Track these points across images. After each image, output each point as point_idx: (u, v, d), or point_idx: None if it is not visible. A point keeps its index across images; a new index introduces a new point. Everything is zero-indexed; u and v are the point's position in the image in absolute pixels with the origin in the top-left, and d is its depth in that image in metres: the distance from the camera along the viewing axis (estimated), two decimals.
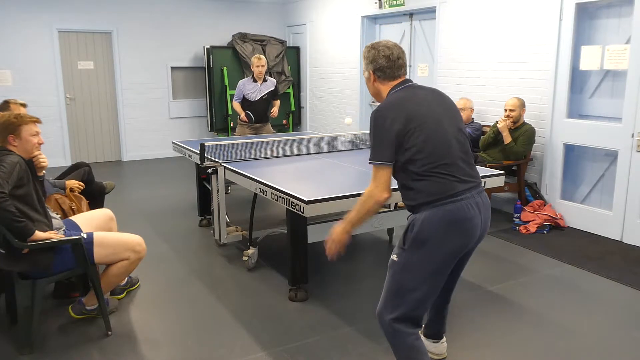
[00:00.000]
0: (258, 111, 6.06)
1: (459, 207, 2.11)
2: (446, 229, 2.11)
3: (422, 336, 2.64)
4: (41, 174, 3.08)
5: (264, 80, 6.08)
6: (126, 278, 3.47)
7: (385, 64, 2.25)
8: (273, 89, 6.15)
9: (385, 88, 2.28)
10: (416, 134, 2.09)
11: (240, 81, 6.15)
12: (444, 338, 2.73)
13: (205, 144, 4.24)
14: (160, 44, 8.58)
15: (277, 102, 6.26)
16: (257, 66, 5.95)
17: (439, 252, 2.13)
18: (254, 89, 6.02)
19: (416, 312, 2.20)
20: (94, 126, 8.45)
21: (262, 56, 6.05)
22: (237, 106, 6.08)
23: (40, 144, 2.95)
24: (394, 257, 2.22)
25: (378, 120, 2.14)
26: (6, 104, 3.90)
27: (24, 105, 3.99)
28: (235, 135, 6.41)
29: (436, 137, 2.11)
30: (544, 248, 4.35)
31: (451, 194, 2.10)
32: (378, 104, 2.25)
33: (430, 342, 2.70)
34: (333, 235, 2.27)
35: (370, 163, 2.19)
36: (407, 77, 2.30)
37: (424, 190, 2.13)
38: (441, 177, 2.11)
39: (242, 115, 6.03)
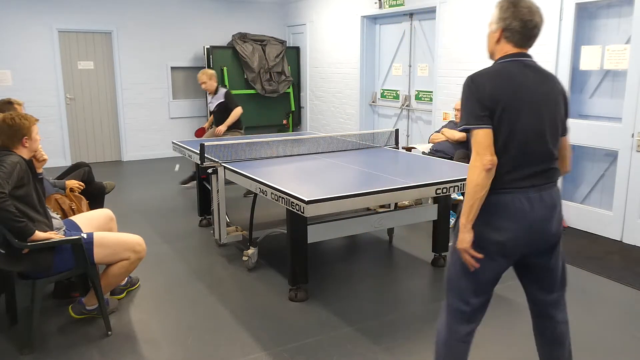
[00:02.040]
0: (218, 120, 6.31)
1: (502, 200, 1.93)
2: (485, 220, 1.94)
3: None
4: (40, 170, 3.08)
5: (215, 92, 6.27)
6: (126, 278, 3.47)
7: (518, 27, 1.98)
8: (223, 100, 6.23)
9: (502, 52, 2.04)
10: (499, 114, 1.92)
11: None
12: None
13: (205, 144, 4.24)
14: (160, 44, 8.58)
15: (235, 111, 6.15)
16: (201, 83, 6.26)
17: (478, 243, 1.95)
18: (209, 101, 6.40)
19: (459, 304, 2.06)
20: (94, 126, 8.45)
21: (202, 72, 6.22)
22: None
23: (39, 140, 2.98)
24: (450, 242, 2.11)
25: (470, 87, 1.97)
26: (10, 104, 3.89)
27: (20, 104, 3.99)
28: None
29: (510, 127, 1.92)
30: None
31: (499, 186, 1.93)
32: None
33: None
34: (458, 245, 1.98)
35: (461, 129, 1.99)
36: (528, 53, 2.05)
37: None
38: (502, 168, 1.92)
39: (206, 125, 6.62)
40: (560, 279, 2.14)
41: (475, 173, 1.89)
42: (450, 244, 2.13)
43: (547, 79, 2.05)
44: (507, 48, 2.03)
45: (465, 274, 2.04)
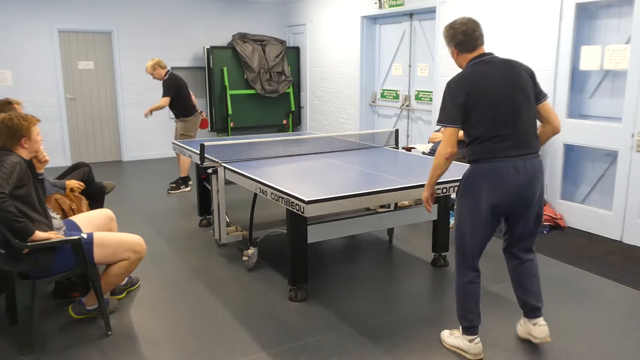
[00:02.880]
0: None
1: (493, 167, 2.50)
2: (479, 183, 2.54)
3: (525, 321, 2.84)
4: (41, 170, 3.08)
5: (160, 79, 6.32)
6: (126, 278, 3.47)
7: (463, 39, 2.59)
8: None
9: (465, 60, 2.62)
10: (475, 105, 2.48)
11: None
12: (542, 319, 2.78)
13: (205, 144, 4.24)
14: (160, 44, 8.57)
15: (161, 100, 6.27)
16: (149, 73, 6.30)
17: (475, 202, 2.56)
18: None
19: (467, 254, 2.65)
20: (94, 126, 8.45)
21: (149, 62, 6.25)
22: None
23: (40, 140, 2.98)
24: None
25: (450, 89, 2.54)
26: (9, 104, 3.88)
27: (18, 103, 3.99)
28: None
29: (488, 111, 2.48)
30: (544, 248, 4.35)
31: (491, 157, 2.50)
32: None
33: (530, 323, 2.81)
34: (423, 198, 2.79)
35: (437, 124, 2.58)
36: (484, 48, 2.63)
37: (471, 151, 2.56)
38: (486, 142, 2.50)
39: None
40: (532, 230, 2.71)
41: (438, 158, 2.59)
42: (452, 225, 2.80)
43: (508, 65, 2.57)
44: (467, 56, 2.61)
45: (469, 232, 2.62)
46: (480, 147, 2.53)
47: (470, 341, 2.71)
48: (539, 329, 2.76)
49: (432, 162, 2.63)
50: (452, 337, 2.81)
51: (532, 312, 2.79)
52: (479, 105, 2.48)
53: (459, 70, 2.79)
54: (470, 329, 2.71)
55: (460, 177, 2.69)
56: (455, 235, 2.71)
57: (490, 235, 2.65)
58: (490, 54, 2.61)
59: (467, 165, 2.67)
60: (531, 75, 2.61)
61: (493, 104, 2.48)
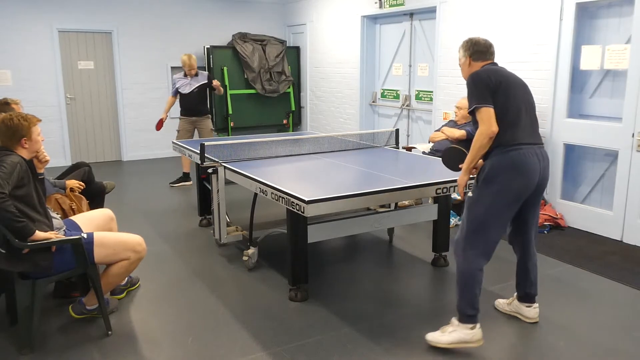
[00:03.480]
0: (191, 103, 6.44)
1: (520, 154, 2.64)
2: (510, 170, 2.63)
3: (516, 300, 3.12)
4: (42, 170, 3.08)
5: (195, 75, 6.40)
6: (126, 278, 3.47)
7: (480, 49, 2.85)
8: (205, 81, 6.43)
9: (477, 67, 2.83)
10: (501, 92, 2.65)
11: (174, 75, 6.55)
12: (537, 303, 3.08)
13: (206, 143, 4.24)
14: (160, 44, 8.58)
15: (216, 81, 6.46)
16: (188, 68, 6.34)
17: (504, 189, 2.64)
18: (185, 82, 6.40)
19: (489, 242, 2.72)
20: (94, 126, 8.45)
21: (192, 58, 6.32)
22: (169, 101, 6.61)
23: (42, 140, 2.97)
24: (469, 194, 2.76)
25: (480, 76, 2.69)
26: (7, 105, 3.88)
27: (17, 103, 3.98)
28: (177, 129, 6.67)
29: (513, 101, 2.67)
30: (544, 248, 4.35)
31: (516, 143, 2.64)
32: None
33: (524, 306, 3.08)
34: (458, 182, 2.83)
35: (473, 108, 2.65)
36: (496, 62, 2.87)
37: (496, 139, 2.62)
38: (511, 130, 2.64)
39: (164, 116, 6.58)
40: (538, 214, 2.98)
41: (481, 139, 2.62)
42: (469, 195, 2.77)
43: (516, 76, 2.82)
44: (479, 64, 2.84)
45: (493, 221, 2.68)
46: (506, 133, 2.63)
47: (471, 328, 2.74)
48: (533, 311, 3.07)
49: (473, 147, 2.66)
50: (447, 334, 2.78)
51: (531, 298, 3.07)
52: (505, 93, 2.65)
53: (459, 70, 2.88)
54: (473, 317, 2.74)
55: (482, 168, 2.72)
56: (471, 223, 2.71)
57: (507, 225, 2.80)
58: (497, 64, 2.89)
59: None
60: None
61: (515, 94, 2.69)
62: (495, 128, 2.60)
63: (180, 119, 6.60)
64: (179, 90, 6.43)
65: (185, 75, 6.41)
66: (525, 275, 3.02)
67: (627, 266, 3.98)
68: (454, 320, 2.80)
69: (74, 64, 8.12)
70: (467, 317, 2.74)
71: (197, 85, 6.37)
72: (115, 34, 8.23)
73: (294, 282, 3.43)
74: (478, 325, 2.76)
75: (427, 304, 3.43)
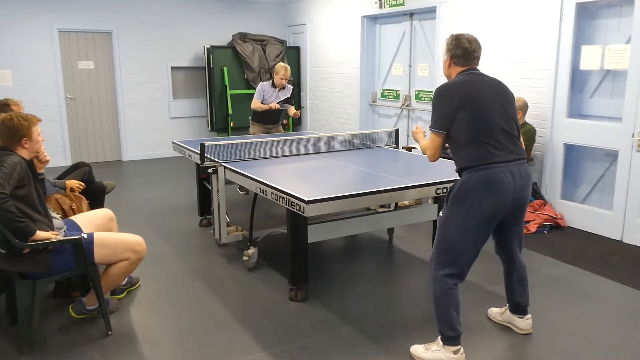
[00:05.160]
0: (271, 114, 6.12)
1: (491, 173, 2.50)
2: (478, 190, 2.51)
3: (508, 311, 3.04)
4: (42, 170, 3.08)
5: (283, 87, 6.10)
6: (126, 278, 3.47)
7: (461, 54, 2.66)
8: (289, 96, 6.17)
9: (455, 72, 2.70)
10: (465, 110, 2.52)
11: (261, 84, 6.18)
12: (529, 315, 2.99)
13: (206, 143, 4.24)
14: (160, 44, 8.58)
15: (291, 107, 6.20)
16: (282, 77, 5.99)
17: (473, 210, 2.53)
18: (272, 94, 6.08)
19: (459, 268, 2.61)
20: (94, 126, 8.45)
21: (288, 68, 6.04)
22: (258, 104, 6.05)
23: (42, 140, 2.97)
24: (440, 213, 2.67)
25: (443, 96, 2.60)
26: (7, 106, 3.88)
27: (17, 104, 3.98)
28: (249, 134, 6.38)
29: (481, 116, 2.52)
30: (544, 248, 4.35)
31: (486, 162, 2.51)
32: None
33: (516, 317, 3.00)
34: (414, 132, 3.05)
35: (429, 129, 2.67)
36: (477, 68, 2.71)
37: (464, 157, 2.56)
38: (479, 148, 2.52)
39: (275, 105, 6.00)
40: (521, 230, 2.84)
41: (426, 154, 2.73)
42: (440, 215, 2.68)
43: (496, 80, 2.68)
44: (458, 69, 2.69)
45: (462, 242, 2.57)
46: (473, 152, 2.52)
47: (455, 352, 2.64)
48: (525, 322, 2.98)
49: (422, 146, 2.85)
50: (429, 352, 2.68)
51: (523, 310, 2.98)
52: (472, 110, 2.52)
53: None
54: (454, 339, 2.64)
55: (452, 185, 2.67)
56: (441, 243, 2.62)
57: (483, 243, 2.63)
58: (478, 70, 2.72)
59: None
60: (513, 97, 2.71)
61: (486, 109, 2.53)
62: (435, 159, 2.69)
63: (253, 124, 6.21)
64: (263, 101, 6.07)
65: (274, 85, 6.04)
66: (512, 286, 2.93)
67: (627, 266, 3.98)
68: (439, 340, 2.69)
69: (74, 64, 8.12)
70: (448, 339, 2.64)
71: (282, 99, 6.08)
72: (115, 34, 8.23)
73: (294, 282, 3.43)
74: (461, 350, 2.65)
75: (427, 304, 3.43)
